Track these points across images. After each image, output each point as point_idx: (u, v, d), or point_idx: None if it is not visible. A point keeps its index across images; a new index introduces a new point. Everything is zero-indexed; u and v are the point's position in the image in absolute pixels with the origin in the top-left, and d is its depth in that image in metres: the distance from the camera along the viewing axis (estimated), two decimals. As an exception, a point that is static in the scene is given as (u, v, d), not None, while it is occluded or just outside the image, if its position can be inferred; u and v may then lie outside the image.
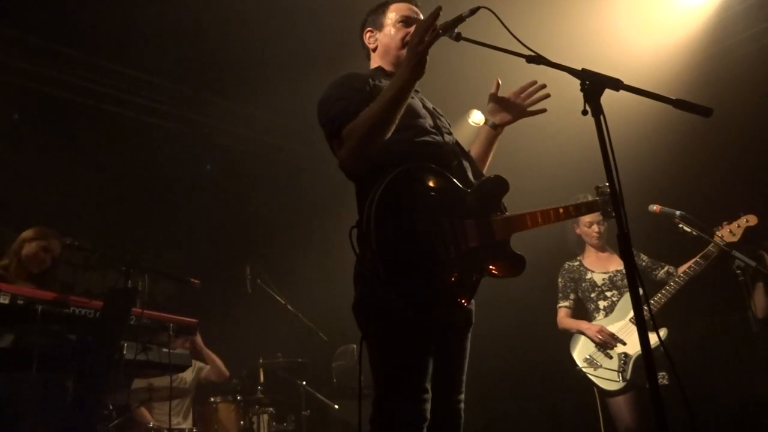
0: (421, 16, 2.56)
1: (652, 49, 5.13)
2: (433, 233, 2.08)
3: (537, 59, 2.04)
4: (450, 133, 2.48)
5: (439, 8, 2.09)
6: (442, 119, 2.54)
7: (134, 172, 5.91)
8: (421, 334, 2.10)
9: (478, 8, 2.17)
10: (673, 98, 1.89)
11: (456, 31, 2.24)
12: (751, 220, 3.86)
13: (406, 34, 2.48)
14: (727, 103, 4.44)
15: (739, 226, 3.86)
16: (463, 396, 2.31)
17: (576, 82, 1.91)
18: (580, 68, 1.92)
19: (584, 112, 1.88)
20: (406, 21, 2.52)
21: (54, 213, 5.38)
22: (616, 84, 1.90)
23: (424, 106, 2.46)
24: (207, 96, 6.26)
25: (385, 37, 2.55)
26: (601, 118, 1.85)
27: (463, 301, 2.12)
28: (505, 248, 2.23)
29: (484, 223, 2.19)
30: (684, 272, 3.95)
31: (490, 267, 2.19)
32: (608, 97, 1.89)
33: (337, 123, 2.19)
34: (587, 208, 2.47)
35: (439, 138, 2.34)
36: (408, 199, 2.08)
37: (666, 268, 4.18)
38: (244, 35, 5.16)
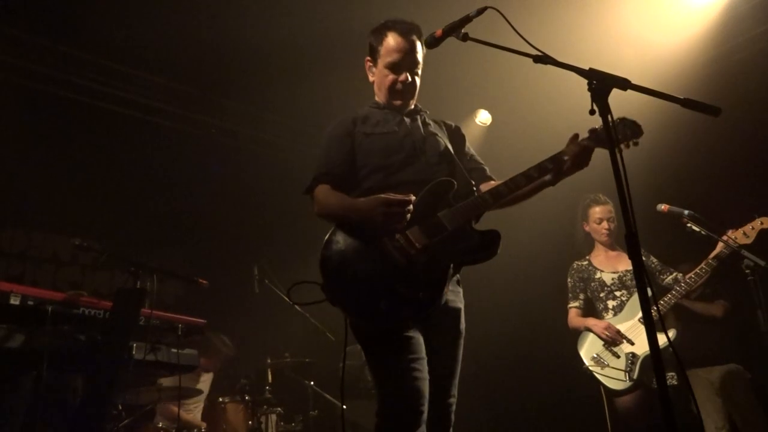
0: (418, 46, 2.57)
1: (660, 48, 5.11)
2: (375, 256, 2.26)
3: (544, 59, 2.04)
4: (438, 154, 2.55)
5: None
6: (437, 138, 2.60)
7: (142, 172, 5.93)
8: (393, 333, 2.24)
9: (485, 8, 2.19)
10: (681, 97, 1.88)
11: (463, 31, 2.25)
12: (765, 222, 3.80)
13: (394, 82, 2.57)
14: (736, 102, 4.42)
15: (753, 228, 3.80)
16: (453, 400, 2.40)
17: (583, 82, 1.91)
18: (587, 68, 1.92)
19: (592, 112, 1.88)
20: (394, 68, 2.57)
21: (63, 214, 5.42)
22: (624, 83, 1.90)
23: (411, 132, 2.54)
24: (214, 97, 6.28)
25: (377, 76, 2.64)
26: (609, 117, 1.85)
27: (427, 294, 2.23)
28: (466, 233, 2.34)
29: (430, 223, 2.31)
30: (696, 273, 3.92)
31: (455, 254, 2.31)
32: (616, 96, 1.89)
33: (314, 183, 2.48)
34: (552, 161, 2.40)
35: (412, 169, 2.45)
36: (347, 238, 2.33)
37: (675, 275, 4.15)
38: (250, 37, 5.17)
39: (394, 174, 2.44)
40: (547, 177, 2.42)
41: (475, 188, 2.56)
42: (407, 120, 2.61)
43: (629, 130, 2.32)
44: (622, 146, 2.23)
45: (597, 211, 4.38)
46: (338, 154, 2.50)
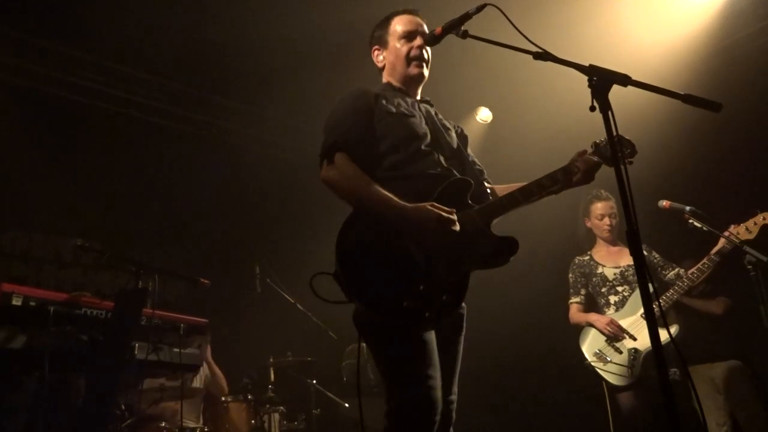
0: (425, 27, 2.61)
1: (661, 44, 5.11)
2: (395, 250, 2.19)
3: (544, 56, 2.04)
4: (451, 149, 2.54)
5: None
6: (450, 133, 2.60)
7: (144, 173, 5.94)
8: (411, 333, 2.19)
9: (485, 5, 2.18)
10: (682, 93, 1.88)
11: (463, 28, 2.25)
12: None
13: (410, 49, 2.57)
14: (737, 97, 4.41)
15: (755, 224, 3.78)
16: (454, 397, 2.39)
17: (583, 79, 1.90)
18: (587, 64, 1.92)
19: (592, 109, 1.88)
20: (408, 36, 2.59)
21: (65, 214, 5.43)
22: (624, 80, 1.90)
23: (428, 121, 2.53)
24: (215, 97, 6.28)
25: (391, 54, 2.63)
26: (610, 114, 1.85)
27: (450, 297, 2.20)
28: (486, 237, 2.31)
29: None
30: (698, 269, 3.91)
31: (474, 258, 2.28)
32: (616, 92, 1.88)
33: (334, 148, 2.34)
34: (563, 172, 2.42)
35: (430, 159, 2.41)
36: (369, 229, 2.24)
37: (677, 270, 4.14)
38: (251, 36, 5.17)
39: (410, 162, 2.38)
40: (555, 186, 2.44)
41: (489, 190, 2.55)
42: (422, 107, 2.59)
43: (626, 148, 2.36)
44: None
45: (599, 207, 4.38)
46: (358, 125, 2.40)
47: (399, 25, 2.61)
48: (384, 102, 2.47)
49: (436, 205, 2.21)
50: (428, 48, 2.60)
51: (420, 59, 2.58)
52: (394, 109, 2.45)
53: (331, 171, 2.32)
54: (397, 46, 2.59)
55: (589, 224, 4.46)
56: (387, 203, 2.22)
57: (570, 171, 2.42)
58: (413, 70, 2.58)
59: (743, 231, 3.80)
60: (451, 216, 2.20)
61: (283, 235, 6.51)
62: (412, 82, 2.61)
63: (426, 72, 2.62)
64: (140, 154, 5.90)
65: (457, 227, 2.21)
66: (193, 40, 5.22)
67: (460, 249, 2.24)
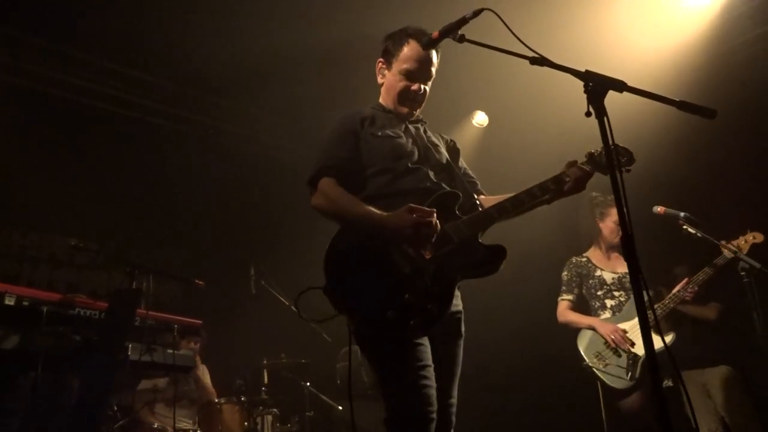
0: (435, 58, 2.58)
1: (656, 50, 5.12)
2: (382, 262, 2.23)
3: (540, 61, 2.04)
4: (440, 164, 2.56)
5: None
6: (439, 149, 2.61)
7: (139, 173, 5.93)
8: (403, 339, 2.21)
9: (482, 10, 2.19)
10: (677, 100, 1.89)
11: (459, 32, 2.25)
12: (757, 237, 3.89)
13: (407, 89, 2.57)
14: (733, 104, 4.42)
15: (746, 242, 3.87)
16: (454, 401, 2.40)
17: (580, 84, 1.91)
18: (583, 70, 1.92)
19: (588, 114, 1.88)
20: (410, 76, 2.56)
21: (60, 214, 5.42)
22: (620, 86, 1.90)
23: (416, 140, 2.55)
24: (212, 97, 6.27)
25: (390, 80, 2.62)
26: (605, 119, 1.86)
27: (435, 306, 2.21)
28: (473, 246, 2.33)
29: (437, 234, 2.26)
30: (701, 276, 3.94)
31: (461, 267, 2.30)
32: (612, 98, 1.89)
33: (319, 175, 2.41)
34: (554, 181, 2.44)
35: (418, 174, 2.44)
36: (355, 244, 2.28)
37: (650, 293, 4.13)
38: (249, 38, 5.17)
39: (400, 179, 2.42)
40: (546, 196, 2.45)
41: (478, 201, 2.56)
42: (411, 128, 2.61)
43: (623, 157, 2.39)
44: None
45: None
46: (344, 149, 2.46)
47: (409, 54, 2.54)
48: (370, 125, 2.51)
49: (414, 206, 2.23)
50: (427, 87, 2.61)
51: (414, 101, 2.60)
52: (379, 132, 2.49)
53: (319, 198, 2.39)
54: (397, 77, 2.57)
55: (601, 225, 4.42)
56: (367, 217, 2.27)
57: (561, 180, 2.43)
58: (402, 109, 2.61)
59: (742, 243, 3.88)
60: (428, 217, 2.21)
61: (277, 236, 6.50)
62: (400, 112, 2.62)
63: (417, 111, 2.65)
64: (137, 154, 5.89)
65: (435, 223, 2.22)
66: (192, 42, 5.21)
67: (448, 259, 2.26)
